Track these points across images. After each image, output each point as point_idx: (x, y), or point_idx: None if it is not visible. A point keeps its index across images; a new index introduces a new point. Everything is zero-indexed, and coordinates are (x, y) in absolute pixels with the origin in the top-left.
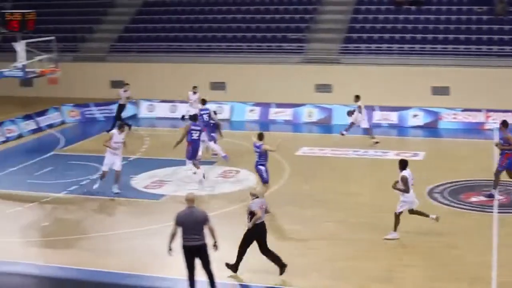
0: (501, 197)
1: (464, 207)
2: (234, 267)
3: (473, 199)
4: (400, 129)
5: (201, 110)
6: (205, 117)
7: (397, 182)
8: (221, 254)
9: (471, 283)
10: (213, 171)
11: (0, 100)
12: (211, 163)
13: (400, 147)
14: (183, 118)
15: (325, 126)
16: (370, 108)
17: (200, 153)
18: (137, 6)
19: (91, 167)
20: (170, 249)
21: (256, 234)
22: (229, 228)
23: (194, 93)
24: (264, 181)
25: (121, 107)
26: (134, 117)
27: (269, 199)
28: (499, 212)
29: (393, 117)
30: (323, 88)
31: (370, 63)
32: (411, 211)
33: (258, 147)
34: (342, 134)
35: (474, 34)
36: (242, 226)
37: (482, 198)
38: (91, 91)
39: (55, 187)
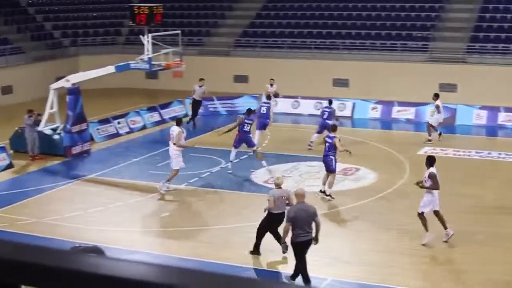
0: None
1: None
2: (255, 249)
3: None
4: None
5: (263, 102)
6: (264, 109)
7: (421, 181)
8: (334, 253)
9: None
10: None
11: (127, 91)
12: None
13: None
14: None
15: (448, 126)
16: (495, 109)
17: (256, 141)
18: (263, 1)
19: (212, 160)
20: (285, 245)
21: (272, 223)
22: (342, 226)
23: (271, 85)
24: (333, 171)
25: (196, 103)
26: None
27: (388, 197)
28: None
29: None
30: (448, 87)
31: (497, 63)
32: (436, 213)
33: (331, 138)
34: (440, 134)
35: None
36: (356, 224)
37: None
38: (214, 85)
39: (176, 178)
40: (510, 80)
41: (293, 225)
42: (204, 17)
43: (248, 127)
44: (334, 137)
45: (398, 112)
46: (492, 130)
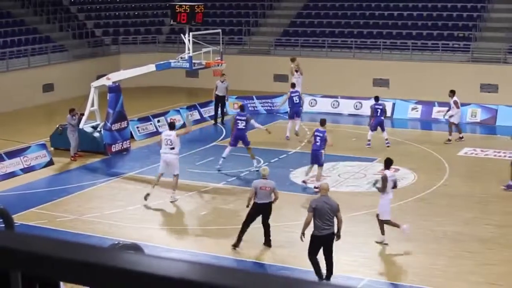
0: None
1: None
2: (236, 243)
3: None
4: None
5: (292, 92)
6: (295, 99)
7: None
8: (369, 253)
9: None
10: (373, 168)
11: (167, 90)
12: (371, 159)
13: None
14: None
15: (489, 126)
16: None
17: (288, 133)
18: (304, 0)
19: (251, 160)
20: (303, 236)
21: (257, 213)
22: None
23: (296, 71)
24: (321, 164)
25: (220, 99)
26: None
27: (428, 198)
28: None
29: None
30: (489, 87)
31: None
32: (377, 216)
33: (321, 132)
34: (460, 138)
35: None
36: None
37: None
38: (254, 84)
39: (214, 177)
40: None
41: (313, 216)
42: (245, 16)
43: (243, 124)
44: (325, 131)
45: (438, 113)
46: None
